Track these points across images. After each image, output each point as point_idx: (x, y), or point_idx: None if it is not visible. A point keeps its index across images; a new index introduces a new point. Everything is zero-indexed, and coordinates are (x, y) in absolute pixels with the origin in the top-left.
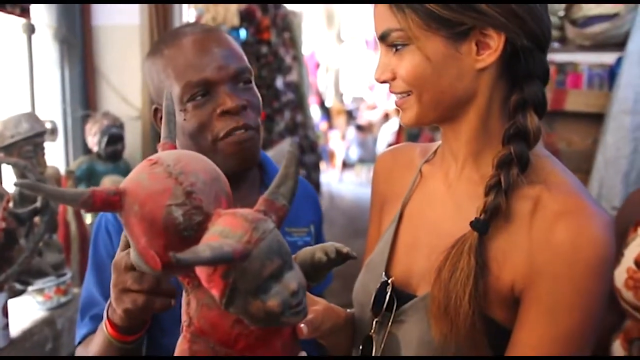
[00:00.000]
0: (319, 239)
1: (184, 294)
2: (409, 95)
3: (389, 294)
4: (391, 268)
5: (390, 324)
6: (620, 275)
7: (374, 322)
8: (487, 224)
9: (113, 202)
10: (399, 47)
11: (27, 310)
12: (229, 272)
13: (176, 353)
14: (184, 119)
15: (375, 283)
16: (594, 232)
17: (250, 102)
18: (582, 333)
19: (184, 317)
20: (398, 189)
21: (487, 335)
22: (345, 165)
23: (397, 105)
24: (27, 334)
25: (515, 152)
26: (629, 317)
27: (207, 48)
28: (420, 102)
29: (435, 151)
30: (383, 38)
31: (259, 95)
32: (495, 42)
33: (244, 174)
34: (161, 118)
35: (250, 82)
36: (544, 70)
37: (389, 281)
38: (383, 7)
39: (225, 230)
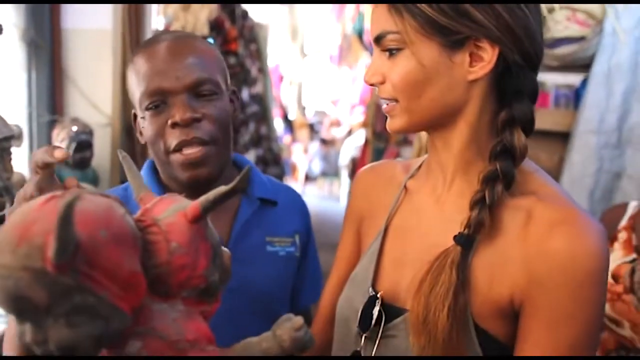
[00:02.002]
0: (305, 250)
1: (133, 346)
2: (394, 101)
3: (378, 308)
4: (378, 283)
5: (379, 338)
6: None
7: (363, 338)
8: (471, 239)
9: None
10: (393, 51)
11: None
12: (208, 231)
13: None
14: (143, 127)
15: (361, 298)
16: (590, 241)
17: (207, 114)
18: (585, 342)
19: (166, 346)
20: (380, 205)
21: (484, 351)
22: (308, 178)
23: (385, 111)
24: None
25: (501, 169)
26: (606, 330)
27: (171, 56)
28: (408, 110)
29: (420, 167)
30: (378, 40)
31: (226, 107)
32: (489, 55)
33: (210, 185)
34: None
35: (215, 93)
36: (534, 89)
37: (378, 295)
38: (381, 9)
39: (177, 206)
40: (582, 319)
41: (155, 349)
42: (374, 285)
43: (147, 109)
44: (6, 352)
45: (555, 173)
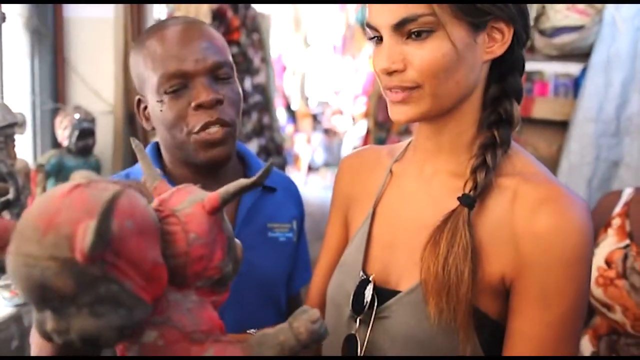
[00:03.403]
0: (300, 237)
1: (149, 336)
2: (416, 88)
3: (370, 291)
4: (368, 266)
5: (372, 321)
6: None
7: (357, 321)
8: (475, 200)
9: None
10: (422, 34)
11: None
12: (223, 223)
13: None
14: (161, 110)
15: (352, 282)
16: (575, 218)
17: (227, 96)
18: (575, 314)
19: (183, 346)
20: (366, 190)
21: (476, 328)
22: (311, 168)
23: (396, 100)
24: None
25: (500, 136)
26: (598, 314)
27: (187, 40)
28: (433, 95)
29: (404, 150)
30: (403, 24)
31: (239, 90)
32: (505, 35)
33: (223, 167)
34: (144, 109)
35: (230, 76)
36: (523, 64)
37: (370, 278)
38: None
39: (194, 197)
40: (571, 293)
41: (171, 339)
42: (364, 269)
43: (166, 92)
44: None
45: (554, 161)
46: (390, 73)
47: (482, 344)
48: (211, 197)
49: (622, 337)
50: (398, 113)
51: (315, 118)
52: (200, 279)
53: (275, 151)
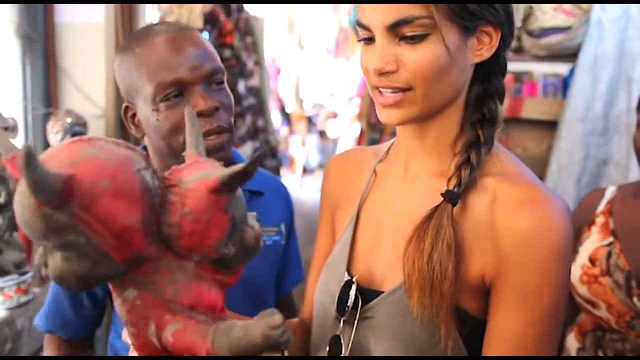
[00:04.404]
0: (289, 238)
1: (131, 293)
2: (408, 90)
3: (354, 292)
4: (352, 267)
5: (356, 321)
6: (575, 271)
7: (341, 322)
8: (458, 196)
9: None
10: (415, 37)
11: None
12: (229, 204)
13: (194, 339)
14: (157, 119)
15: (337, 283)
16: (555, 218)
17: (223, 103)
18: (554, 313)
19: (158, 312)
20: (351, 191)
21: (457, 324)
22: (305, 170)
23: (387, 104)
24: None
25: (484, 135)
26: (583, 311)
27: (181, 47)
28: (425, 97)
29: (388, 151)
30: (398, 25)
31: (231, 95)
32: (493, 39)
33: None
34: (132, 116)
35: (223, 82)
36: (505, 66)
37: (354, 279)
38: None
39: (206, 173)
40: (550, 292)
41: (148, 302)
42: (348, 270)
43: (162, 101)
44: None
45: (544, 161)
46: (382, 73)
47: (463, 340)
48: (214, 176)
49: (607, 333)
50: (388, 116)
51: (309, 120)
52: (194, 253)
53: (270, 154)
